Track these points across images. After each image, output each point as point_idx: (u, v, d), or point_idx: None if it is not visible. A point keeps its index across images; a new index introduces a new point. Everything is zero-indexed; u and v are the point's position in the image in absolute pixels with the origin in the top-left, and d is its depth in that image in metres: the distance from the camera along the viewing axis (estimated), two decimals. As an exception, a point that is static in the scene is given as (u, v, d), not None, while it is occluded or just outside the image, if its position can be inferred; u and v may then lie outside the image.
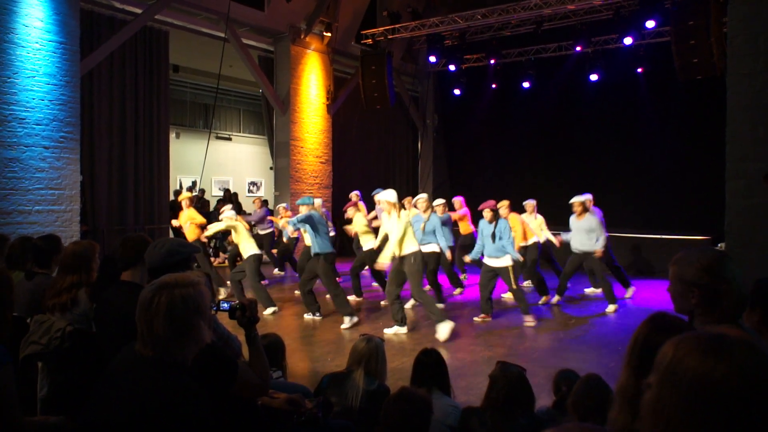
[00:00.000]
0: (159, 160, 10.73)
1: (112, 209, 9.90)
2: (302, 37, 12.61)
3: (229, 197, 14.87)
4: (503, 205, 8.24)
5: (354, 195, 9.39)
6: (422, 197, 8.05)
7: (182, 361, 1.76)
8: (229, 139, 18.08)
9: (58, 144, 8.28)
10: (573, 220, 8.03)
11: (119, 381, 1.77)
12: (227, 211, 7.93)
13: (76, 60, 8.55)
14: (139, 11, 9.78)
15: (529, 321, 7.06)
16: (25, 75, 7.92)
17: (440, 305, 7.60)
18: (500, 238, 7.03)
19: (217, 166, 17.09)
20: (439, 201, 8.52)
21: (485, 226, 7.25)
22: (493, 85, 14.46)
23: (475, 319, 7.28)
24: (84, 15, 9.01)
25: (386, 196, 6.71)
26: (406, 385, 2.76)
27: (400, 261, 6.65)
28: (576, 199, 7.97)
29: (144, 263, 2.74)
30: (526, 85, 13.75)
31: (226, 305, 2.37)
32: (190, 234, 8.78)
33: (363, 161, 15.01)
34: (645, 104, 12.81)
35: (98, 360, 2.52)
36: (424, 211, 7.86)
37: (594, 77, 12.60)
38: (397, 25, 12.86)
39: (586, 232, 7.84)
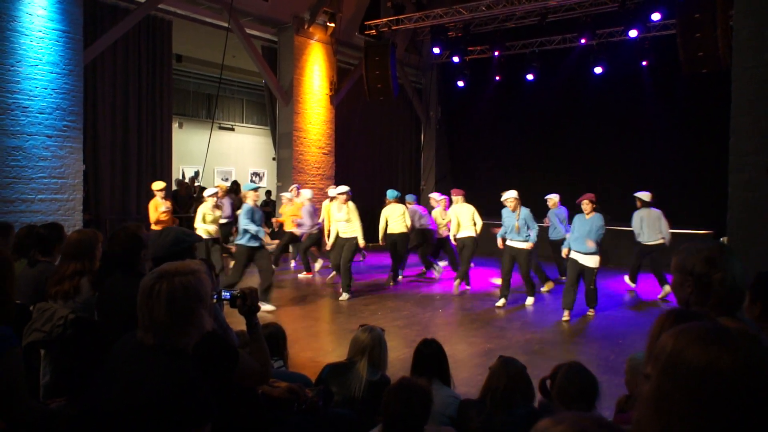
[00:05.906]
0: (162, 150, 10.72)
1: (115, 198, 9.91)
2: (306, 27, 12.55)
3: (233, 188, 14.85)
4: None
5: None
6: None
7: (183, 349, 1.77)
8: (232, 129, 18.07)
9: (61, 133, 8.28)
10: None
11: (121, 368, 1.78)
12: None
13: (80, 49, 8.54)
14: (142, 0, 9.75)
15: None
16: (29, 63, 7.92)
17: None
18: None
19: (220, 156, 17.09)
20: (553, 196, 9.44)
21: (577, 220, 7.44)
22: (497, 78, 14.36)
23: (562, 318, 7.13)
24: (87, 3, 8.98)
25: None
26: (406, 375, 2.77)
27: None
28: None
29: (139, 257, 2.79)
30: (530, 77, 13.66)
31: (227, 294, 2.38)
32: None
33: (366, 152, 14.98)
34: (649, 97, 12.73)
35: (100, 347, 2.53)
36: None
37: (598, 70, 12.51)
38: (401, 16, 12.78)
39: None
